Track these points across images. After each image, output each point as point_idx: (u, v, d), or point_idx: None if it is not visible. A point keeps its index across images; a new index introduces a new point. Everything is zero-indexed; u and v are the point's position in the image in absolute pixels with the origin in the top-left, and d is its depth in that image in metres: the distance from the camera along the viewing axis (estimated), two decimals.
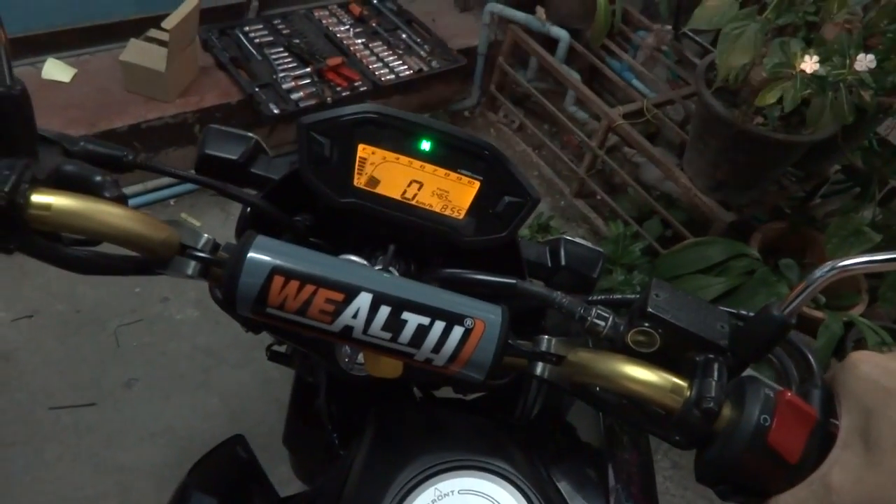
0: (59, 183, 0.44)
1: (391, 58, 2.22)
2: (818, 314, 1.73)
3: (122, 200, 0.46)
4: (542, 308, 0.61)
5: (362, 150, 0.50)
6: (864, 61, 1.31)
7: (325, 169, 0.51)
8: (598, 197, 2.20)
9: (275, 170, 0.64)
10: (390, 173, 0.51)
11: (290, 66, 2.09)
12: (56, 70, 1.93)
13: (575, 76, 2.24)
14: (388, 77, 2.14)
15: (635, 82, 2.35)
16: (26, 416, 1.55)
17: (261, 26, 2.20)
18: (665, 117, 2.09)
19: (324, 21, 2.29)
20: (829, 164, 2.02)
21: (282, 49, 2.14)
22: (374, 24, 2.32)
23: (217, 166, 0.63)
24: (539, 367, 0.48)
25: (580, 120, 2.37)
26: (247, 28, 2.17)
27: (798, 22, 1.52)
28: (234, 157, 0.63)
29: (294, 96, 2.01)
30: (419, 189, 0.51)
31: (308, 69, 2.09)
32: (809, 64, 1.33)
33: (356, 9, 2.35)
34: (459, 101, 2.47)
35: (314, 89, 2.04)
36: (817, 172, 2.05)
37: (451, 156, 0.50)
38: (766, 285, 1.76)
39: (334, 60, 2.11)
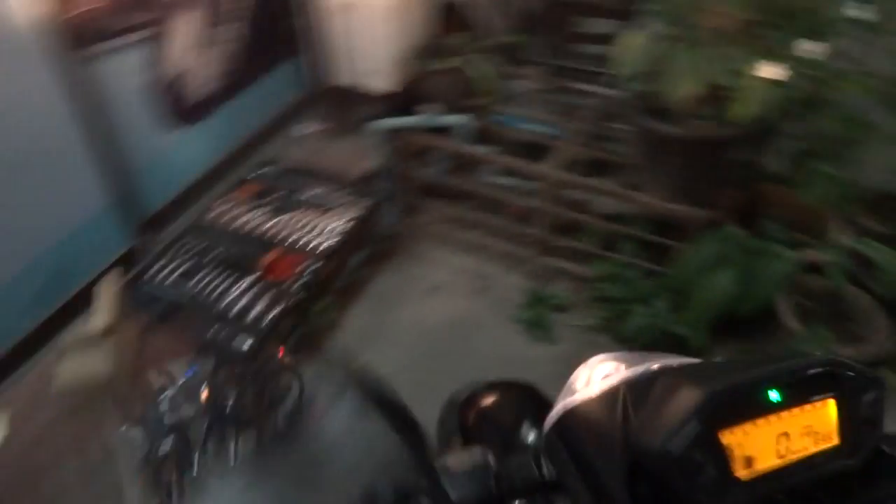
0: None
1: (316, 219, 2.06)
2: None
3: None
4: None
5: (726, 437, 0.45)
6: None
7: (699, 475, 0.44)
8: (564, 245, 2.19)
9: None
10: (758, 443, 0.46)
11: (227, 285, 1.87)
12: None
13: (485, 150, 2.23)
14: (327, 243, 1.99)
15: (528, 125, 2.39)
16: None
17: (165, 262, 1.94)
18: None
19: (223, 218, 2.07)
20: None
21: (205, 272, 1.91)
22: (275, 195, 2.15)
23: None
24: None
25: (510, 186, 2.36)
26: (152, 270, 1.91)
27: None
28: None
29: (253, 314, 1.79)
30: (788, 440, 0.47)
31: (248, 278, 1.88)
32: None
33: (250, 188, 2.16)
34: (386, 225, 2.36)
35: (268, 301, 1.82)
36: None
37: (799, 388, 0.48)
38: (764, 256, 1.84)
39: (269, 256, 1.91)
